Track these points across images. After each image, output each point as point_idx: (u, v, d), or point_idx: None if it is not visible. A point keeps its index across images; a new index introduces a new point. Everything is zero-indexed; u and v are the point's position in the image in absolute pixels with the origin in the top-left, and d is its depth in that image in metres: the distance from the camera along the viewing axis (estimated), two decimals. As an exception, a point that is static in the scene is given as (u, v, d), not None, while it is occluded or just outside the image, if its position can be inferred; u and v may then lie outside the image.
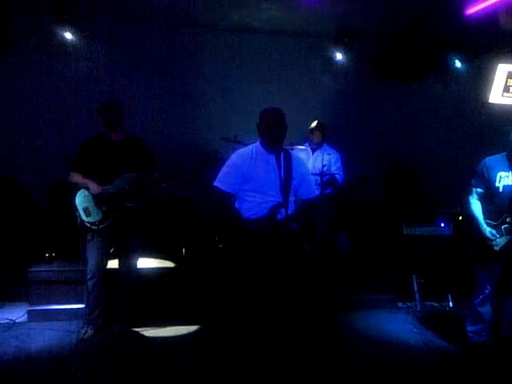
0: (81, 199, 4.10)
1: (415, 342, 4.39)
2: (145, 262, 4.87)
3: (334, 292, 5.02)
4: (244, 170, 3.42)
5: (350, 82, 6.81)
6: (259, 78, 6.50)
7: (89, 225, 4.07)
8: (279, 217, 3.33)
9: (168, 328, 4.48)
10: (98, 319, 4.22)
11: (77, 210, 4.10)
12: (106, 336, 4.19)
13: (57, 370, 3.60)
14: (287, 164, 3.44)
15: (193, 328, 4.53)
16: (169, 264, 5.09)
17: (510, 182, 3.95)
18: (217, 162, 4.09)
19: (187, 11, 5.82)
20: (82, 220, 4.08)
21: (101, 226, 4.06)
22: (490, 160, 4.09)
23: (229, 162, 3.51)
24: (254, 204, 3.40)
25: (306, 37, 6.65)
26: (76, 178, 4.12)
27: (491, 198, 4.03)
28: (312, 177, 4.15)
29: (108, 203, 4.04)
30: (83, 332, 4.16)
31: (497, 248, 3.91)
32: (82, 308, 4.32)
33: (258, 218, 3.35)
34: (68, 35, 5.71)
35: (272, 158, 3.42)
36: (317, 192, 3.74)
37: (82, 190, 4.09)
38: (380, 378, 3.66)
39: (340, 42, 6.39)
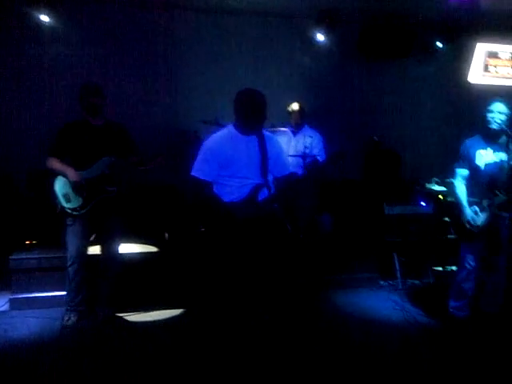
0: (60, 186, 4.04)
1: (397, 318, 4.45)
2: (128, 247, 4.84)
3: (317, 271, 5.05)
4: (222, 156, 3.36)
5: (331, 63, 6.78)
6: (240, 60, 6.45)
7: (70, 211, 4.02)
8: (260, 198, 3.33)
9: (152, 312, 4.48)
10: (81, 305, 4.19)
11: (56, 196, 4.04)
12: (90, 322, 4.17)
13: (40, 357, 3.57)
14: (262, 144, 3.41)
15: (177, 312, 4.53)
16: (152, 248, 5.07)
17: (490, 159, 4.04)
18: (197, 141, 4.04)
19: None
20: (62, 206, 4.03)
21: (82, 212, 4.01)
22: (469, 141, 4.20)
23: (204, 149, 3.44)
24: (233, 188, 3.38)
25: (288, 18, 6.60)
26: (54, 163, 4.04)
27: (472, 176, 4.11)
28: (285, 154, 4.09)
29: (88, 189, 3.99)
30: (66, 319, 4.13)
31: (476, 230, 3.98)
32: (64, 295, 4.28)
33: (240, 200, 3.34)
34: (44, 17, 5.58)
35: (249, 141, 3.39)
36: (290, 168, 3.68)
37: (61, 177, 4.04)
38: (363, 355, 3.70)
39: (321, 23, 6.34)
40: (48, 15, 5.58)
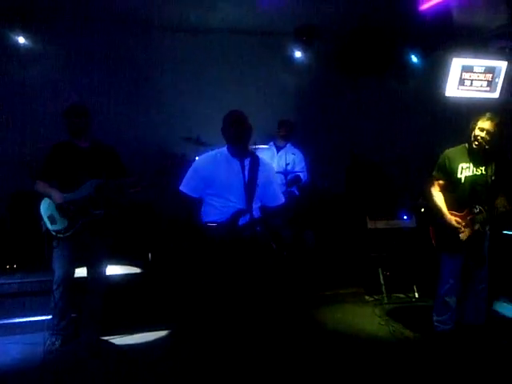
0: (45, 207, 4.01)
1: (383, 333, 4.48)
2: (111, 269, 4.78)
3: (302, 288, 5.05)
4: (204, 174, 3.40)
5: (310, 79, 6.84)
6: (220, 79, 6.45)
7: (54, 233, 3.97)
8: (241, 222, 3.31)
9: (137, 335, 4.43)
10: (67, 329, 4.13)
11: (42, 218, 4.01)
12: (74, 346, 4.10)
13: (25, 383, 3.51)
14: (253, 169, 3.38)
15: (162, 333, 4.49)
16: (135, 270, 5.02)
17: (470, 173, 4.06)
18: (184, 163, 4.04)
19: (143, 12, 5.74)
20: (47, 228, 3.98)
21: (66, 234, 3.96)
22: (450, 152, 4.19)
23: (192, 166, 3.52)
24: (216, 207, 3.38)
25: (265, 36, 6.64)
26: (40, 186, 4.02)
27: (453, 189, 4.13)
28: (279, 182, 4.10)
29: (73, 211, 3.94)
30: (50, 344, 4.05)
31: (464, 237, 4.01)
32: (47, 319, 4.20)
33: (219, 223, 3.33)
34: (21, 39, 5.54)
35: (236, 163, 3.36)
36: (283, 199, 3.65)
37: (46, 199, 4.01)
38: (349, 370, 3.70)
39: (299, 40, 6.42)
40: (25, 36, 5.54)
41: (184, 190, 3.45)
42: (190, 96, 6.36)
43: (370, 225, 5.56)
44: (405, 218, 5.68)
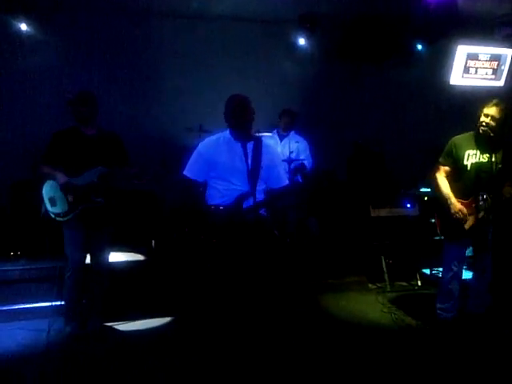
0: (48, 189, 4.02)
1: (385, 321, 4.49)
2: (115, 256, 4.80)
3: (305, 276, 5.06)
4: (207, 157, 3.42)
5: (314, 67, 6.81)
6: (223, 66, 6.44)
7: (53, 215, 3.96)
8: (245, 205, 3.32)
9: (141, 321, 4.45)
10: (77, 315, 4.14)
11: (42, 200, 4.01)
12: (80, 333, 4.10)
13: (28, 370, 3.53)
14: (256, 152, 3.39)
15: (165, 320, 4.50)
16: (139, 257, 5.04)
17: (477, 160, 4.04)
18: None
19: (144, 1, 5.71)
20: (46, 210, 3.99)
21: (66, 218, 3.96)
22: (457, 139, 4.15)
23: (196, 150, 3.53)
24: (220, 190, 3.39)
25: (269, 23, 6.62)
26: (45, 169, 4.02)
27: (459, 175, 4.10)
28: (283, 165, 4.11)
29: (75, 194, 3.93)
30: (63, 330, 4.08)
31: (468, 225, 4.00)
32: (51, 305, 4.22)
33: (224, 206, 3.33)
34: (23, 26, 5.52)
35: (239, 146, 3.38)
36: (287, 181, 3.68)
37: (49, 181, 4.01)
38: (352, 357, 3.71)
39: (302, 28, 6.38)
40: (27, 23, 5.52)
41: (188, 174, 3.47)
42: (192, 85, 6.35)
43: (373, 213, 5.56)
44: (408, 206, 5.68)
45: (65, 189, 3.94)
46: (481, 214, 4.00)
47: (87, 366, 3.59)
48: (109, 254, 4.28)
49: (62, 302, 4.14)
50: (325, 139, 6.30)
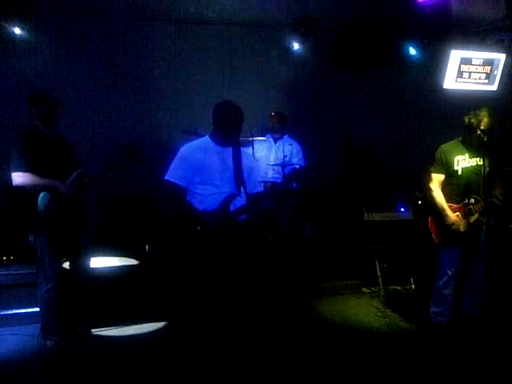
0: (43, 200, 3.76)
1: (380, 325, 4.48)
2: (108, 261, 4.78)
3: (299, 280, 5.05)
4: (193, 162, 3.39)
5: (308, 71, 6.81)
6: (217, 71, 6.43)
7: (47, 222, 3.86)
8: (232, 208, 3.32)
9: (133, 326, 4.43)
10: (58, 324, 3.96)
11: (38, 210, 3.77)
12: (70, 340, 4.03)
13: (20, 375, 3.50)
14: (237, 157, 3.43)
15: (158, 325, 4.49)
16: (132, 261, 5.02)
17: (467, 164, 4.12)
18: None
19: (140, 3, 5.70)
20: (42, 219, 3.86)
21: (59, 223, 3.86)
22: (445, 146, 4.24)
23: (178, 155, 3.49)
24: (205, 196, 3.38)
25: (263, 27, 6.62)
26: (33, 179, 3.76)
27: (451, 181, 4.17)
28: (258, 172, 4.04)
29: (67, 201, 3.85)
30: (44, 341, 3.95)
31: (462, 229, 4.03)
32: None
33: (211, 210, 3.33)
34: (17, 30, 5.49)
35: (223, 151, 3.41)
36: (260, 189, 3.70)
37: (45, 193, 3.75)
38: (345, 362, 3.71)
39: (297, 32, 6.38)
40: (21, 28, 5.48)
41: (171, 179, 3.41)
42: (186, 89, 6.34)
43: (367, 217, 5.57)
44: (402, 210, 5.69)
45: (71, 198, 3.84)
46: (473, 218, 4.04)
47: (79, 371, 3.57)
48: (90, 257, 4.18)
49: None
50: (318, 144, 6.29)
